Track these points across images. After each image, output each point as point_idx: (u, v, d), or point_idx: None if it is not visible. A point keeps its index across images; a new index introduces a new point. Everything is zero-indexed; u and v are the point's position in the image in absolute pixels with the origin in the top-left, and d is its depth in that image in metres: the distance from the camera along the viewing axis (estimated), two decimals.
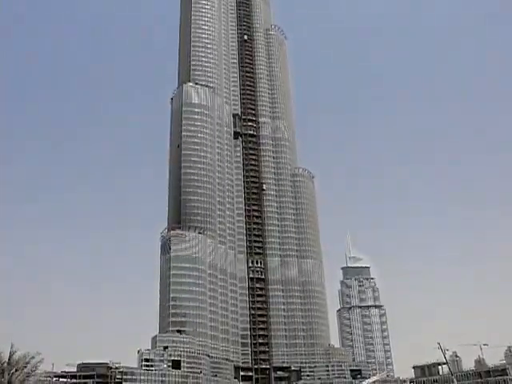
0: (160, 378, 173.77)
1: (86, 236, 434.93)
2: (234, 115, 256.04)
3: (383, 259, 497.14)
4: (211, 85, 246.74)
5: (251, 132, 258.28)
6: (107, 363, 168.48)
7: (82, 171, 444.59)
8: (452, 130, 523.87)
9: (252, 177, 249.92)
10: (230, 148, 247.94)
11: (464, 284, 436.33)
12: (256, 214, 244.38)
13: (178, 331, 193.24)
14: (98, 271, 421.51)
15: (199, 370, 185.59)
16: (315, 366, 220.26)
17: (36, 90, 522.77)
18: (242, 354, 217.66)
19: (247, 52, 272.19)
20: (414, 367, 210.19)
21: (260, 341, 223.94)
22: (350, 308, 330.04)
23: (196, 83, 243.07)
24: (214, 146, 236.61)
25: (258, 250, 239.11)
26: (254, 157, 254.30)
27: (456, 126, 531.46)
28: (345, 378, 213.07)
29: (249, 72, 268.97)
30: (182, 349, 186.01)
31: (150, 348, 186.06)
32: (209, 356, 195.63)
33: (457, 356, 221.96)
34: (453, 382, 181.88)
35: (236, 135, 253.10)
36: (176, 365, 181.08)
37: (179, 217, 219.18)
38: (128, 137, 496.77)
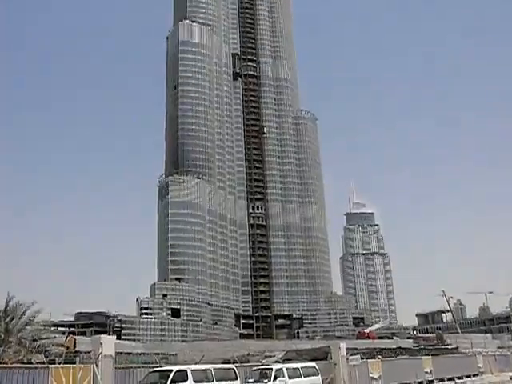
0: (159, 327, 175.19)
1: (83, 174, 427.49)
2: (234, 55, 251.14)
3: (388, 207, 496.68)
4: (209, 23, 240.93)
5: (251, 72, 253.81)
6: (105, 312, 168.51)
7: (71, 122, 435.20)
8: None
9: (252, 119, 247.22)
10: (230, 89, 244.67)
11: (466, 230, 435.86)
12: (256, 158, 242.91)
13: (177, 279, 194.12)
14: (94, 217, 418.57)
15: (199, 318, 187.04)
16: (317, 314, 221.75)
17: None
18: (243, 302, 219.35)
19: None
20: (417, 315, 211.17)
21: (261, 288, 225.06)
22: (354, 255, 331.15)
23: (193, 21, 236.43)
24: (213, 88, 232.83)
25: (258, 196, 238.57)
26: (254, 98, 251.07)
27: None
28: (347, 325, 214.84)
29: (248, 9, 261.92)
30: (181, 297, 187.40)
31: (148, 296, 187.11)
32: (209, 304, 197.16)
33: (461, 304, 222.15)
34: (456, 329, 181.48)
35: (235, 76, 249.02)
36: (175, 313, 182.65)
37: (177, 161, 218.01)
38: (120, 77, 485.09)
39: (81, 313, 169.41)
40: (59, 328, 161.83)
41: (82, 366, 26.32)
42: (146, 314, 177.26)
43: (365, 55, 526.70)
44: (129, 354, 67.35)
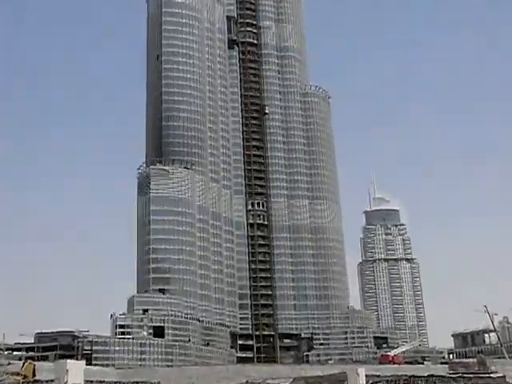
0: (139, 349, 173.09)
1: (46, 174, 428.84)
2: (229, 18, 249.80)
3: (416, 202, 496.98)
4: None
5: (250, 40, 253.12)
6: (73, 332, 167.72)
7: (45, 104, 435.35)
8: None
9: (252, 97, 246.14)
10: (224, 60, 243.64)
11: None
12: (257, 144, 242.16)
13: (161, 290, 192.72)
14: (58, 217, 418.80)
15: (187, 338, 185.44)
16: (330, 333, 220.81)
17: None
18: (241, 319, 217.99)
19: None
20: (453, 335, 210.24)
21: (262, 301, 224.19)
22: (375, 261, 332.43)
23: None
24: (204, 58, 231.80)
25: (259, 190, 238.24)
26: (253, 71, 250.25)
27: None
28: (367, 347, 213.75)
29: None
30: (165, 312, 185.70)
31: (125, 312, 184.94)
32: (199, 320, 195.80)
33: (508, 322, 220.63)
34: (502, 353, 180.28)
35: (231, 44, 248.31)
36: (158, 332, 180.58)
37: (160, 148, 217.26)
38: (93, 41, 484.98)
39: (42, 333, 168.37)
40: (15, 352, 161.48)
41: None
42: (123, 333, 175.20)
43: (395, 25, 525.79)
44: (101, 382, 67.79)
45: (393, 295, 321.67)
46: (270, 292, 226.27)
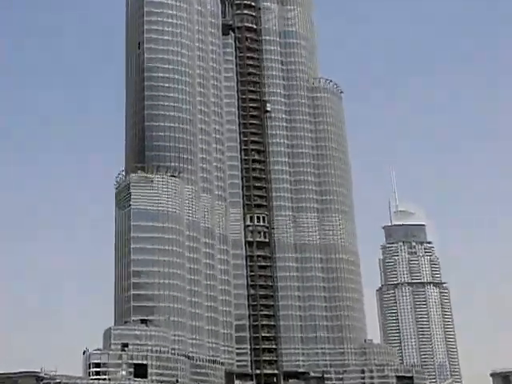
0: None
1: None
2: None
3: (445, 215, 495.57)
4: None
5: (248, 24, 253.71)
6: (37, 372, 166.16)
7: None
8: None
9: (250, 92, 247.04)
10: (218, 49, 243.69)
11: None
12: (256, 147, 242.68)
13: (143, 321, 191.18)
14: (26, 229, 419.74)
15: (174, 378, 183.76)
16: (345, 371, 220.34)
17: None
18: (238, 354, 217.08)
19: None
20: (492, 374, 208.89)
21: (263, 334, 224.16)
22: (397, 286, 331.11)
23: None
24: (193, 46, 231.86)
25: (259, 202, 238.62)
26: (252, 62, 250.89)
27: None
28: None
29: None
30: (148, 347, 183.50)
31: (101, 347, 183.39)
32: (189, 357, 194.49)
33: None
34: None
35: (226, 29, 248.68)
36: (140, 371, 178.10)
37: (143, 153, 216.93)
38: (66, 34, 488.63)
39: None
40: None
41: None
42: (98, 372, 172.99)
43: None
44: None
45: (418, 326, 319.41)
46: (272, 323, 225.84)
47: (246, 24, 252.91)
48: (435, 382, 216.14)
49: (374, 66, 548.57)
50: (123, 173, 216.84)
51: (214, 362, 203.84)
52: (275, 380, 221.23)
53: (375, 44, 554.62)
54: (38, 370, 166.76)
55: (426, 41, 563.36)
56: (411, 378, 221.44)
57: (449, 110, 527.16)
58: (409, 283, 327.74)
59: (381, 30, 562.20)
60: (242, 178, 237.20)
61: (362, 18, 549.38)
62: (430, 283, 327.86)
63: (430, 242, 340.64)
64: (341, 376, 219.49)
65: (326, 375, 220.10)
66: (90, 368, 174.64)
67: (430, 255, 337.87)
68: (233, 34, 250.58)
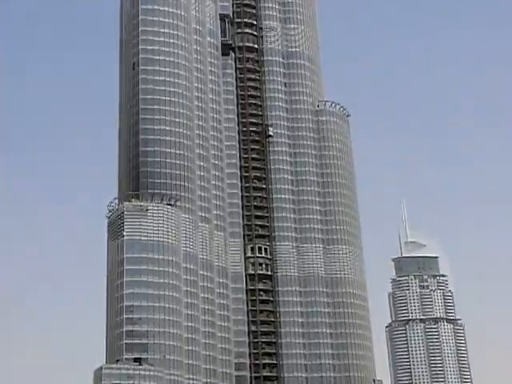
0: None
1: None
2: (223, 17, 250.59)
3: (460, 247, 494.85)
4: None
5: (250, 44, 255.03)
6: None
7: None
8: None
9: (251, 115, 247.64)
10: (217, 70, 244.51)
11: None
12: (258, 174, 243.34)
13: (137, 360, 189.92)
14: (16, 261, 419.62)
15: None
16: None
17: None
18: None
19: None
20: None
21: (265, 374, 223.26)
22: (408, 322, 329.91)
23: None
24: (191, 67, 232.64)
25: (261, 232, 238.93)
26: (254, 84, 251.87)
27: None
28: None
29: None
30: None
31: None
32: None
33: None
34: None
35: (226, 49, 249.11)
36: None
37: (137, 180, 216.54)
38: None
39: None
40: None
41: None
42: None
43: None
44: None
45: (431, 366, 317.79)
46: (274, 361, 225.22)
47: (247, 44, 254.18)
48: None
49: (383, 87, 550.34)
50: (116, 201, 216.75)
51: None
52: None
53: (385, 64, 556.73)
54: None
55: (440, 55, 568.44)
56: None
57: (460, 134, 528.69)
58: (421, 319, 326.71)
59: (390, 48, 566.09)
60: (242, 207, 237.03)
61: (370, 36, 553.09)
62: (443, 319, 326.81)
63: (443, 275, 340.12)
64: None
65: None
66: None
67: (443, 289, 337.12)
68: (233, 55, 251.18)
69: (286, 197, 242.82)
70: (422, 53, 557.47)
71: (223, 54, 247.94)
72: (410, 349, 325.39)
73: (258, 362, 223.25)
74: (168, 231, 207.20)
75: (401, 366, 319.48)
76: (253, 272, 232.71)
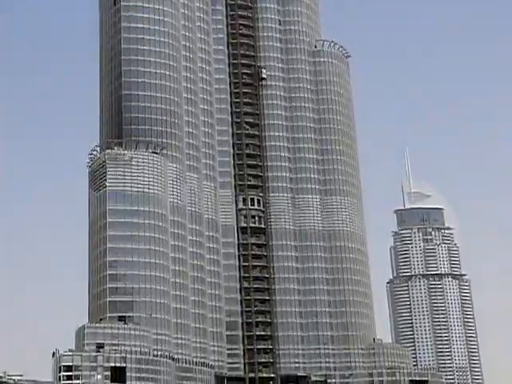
0: None
1: None
2: None
3: (467, 198, 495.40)
4: None
5: None
6: (0, 377, 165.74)
7: None
8: None
9: (243, 56, 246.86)
10: (206, 6, 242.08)
11: None
12: (250, 119, 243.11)
13: (121, 319, 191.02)
14: None
15: (157, 383, 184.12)
16: (351, 375, 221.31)
17: None
18: (229, 356, 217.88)
19: None
20: None
21: (258, 333, 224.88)
22: (410, 278, 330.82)
23: None
24: (178, 4, 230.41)
25: (253, 182, 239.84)
26: (246, 22, 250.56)
27: None
28: None
29: None
30: (127, 348, 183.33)
31: (73, 348, 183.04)
32: (173, 359, 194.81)
33: None
34: None
35: None
36: (118, 375, 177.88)
37: (120, 127, 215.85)
38: None
39: None
40: None
41: None
42: (70, 377, 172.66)
43: None
44: None
45: (435, 324, 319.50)
46: (268, 319, 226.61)
47: None
48: None
49: (386, 25, 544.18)
50: (98, 149, 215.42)
51: (203, 364, 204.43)
52: None
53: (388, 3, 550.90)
54: (1, 374, 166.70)
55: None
56: (426, 382, 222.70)
57: (467, 80, 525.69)
58: (424, 275, 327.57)
59: None
60: (233, 155, 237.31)
61: None
62: (448, 275, 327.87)
63: (448, 228, 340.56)
64: (346, 380, 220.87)
65: (329, 379, 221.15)
66: (60, 372, 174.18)
67: (449, 243, 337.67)
68: None
69: (281, 144, 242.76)
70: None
71: None
72: (413, 306, 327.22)
73: (250, 320, 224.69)
74: (153, 181, 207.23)
75: (402, 324, 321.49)
76: (245, 225, 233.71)
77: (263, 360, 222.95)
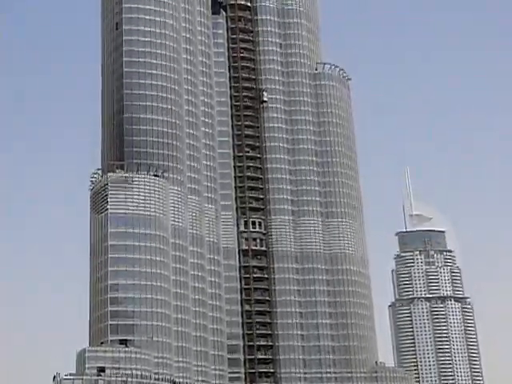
0: None
1: None
2: None
3: (468, 220, 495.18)
4: None
5: (242, 1, 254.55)
6: None
7: None
8: None
9: (244, 79, 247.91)
10: (207, 30, 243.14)
11: None
12: (251, 142, 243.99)
13: (122, 342, 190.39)
14: None
15: None
16: None
17: None
18: (231, 379, 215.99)
19: None
20: None
21: (260, 356, 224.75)
22: (412, 301, 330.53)
23: None
24: (179, 28, 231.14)
25: (255, 205, 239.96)
26: (247, 45, 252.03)
27: None
28: None
29: None
30: (128, 371, 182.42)
31: (74, 372, 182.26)
32: (175, 383, 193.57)
33: None
34: None
35: (216, 7, 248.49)
36: None
37: (121, 150, 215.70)
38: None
39: None
40: None
41: None
42: None
43: None
44: None
45: (437, 347, 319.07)
46: (270, 343, 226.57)
47: (239, 1, 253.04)
48: None
49: (386, 48, 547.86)
50: (99, 172, 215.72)
51: None
52: None
53: (389, 23, 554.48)
54: None
55: (443, 14, 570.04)
56: None
57: (466, 101, 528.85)
58: (426, 298, 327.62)
59: (393, 6, 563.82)
60: (234, 178, 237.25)
61: None
62: (450, 298, 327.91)
63: (450, 251, 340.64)
64: None
65: None
66: None
67: (451, 266, 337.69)
68: (224, 13, 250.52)
69: (282, 167, 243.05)
70: (427, 12, 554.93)
71: (213, 13, 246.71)
72: (415, 329, 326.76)
73: (252, 343, 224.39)
74: (155, 204, 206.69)
75: (405, 347, 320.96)
76: (246, 247, 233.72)
77: (266, 382, 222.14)
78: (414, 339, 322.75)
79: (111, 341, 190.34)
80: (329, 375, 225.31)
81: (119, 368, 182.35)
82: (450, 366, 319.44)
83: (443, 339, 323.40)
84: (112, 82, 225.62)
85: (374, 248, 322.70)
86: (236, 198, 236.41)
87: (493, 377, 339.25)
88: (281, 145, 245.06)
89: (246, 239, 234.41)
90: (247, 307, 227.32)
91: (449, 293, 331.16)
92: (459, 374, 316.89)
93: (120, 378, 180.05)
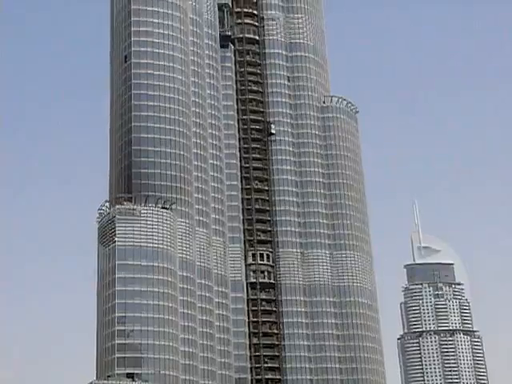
0: None
1: None
2: (221, 7, 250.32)
3: (477, 253, 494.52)
4: None
5: (250, 35, 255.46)
6: None
7: None
8: None
9: (252, 112, 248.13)
10: (215, 63, 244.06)
11: None
12: (259, 175, 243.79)
13: (129, 375, 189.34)
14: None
15: None
16: None
17: None
18: None
19: None
20: None
21: None
22: (421, 334, 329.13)
23: None
24: (188, 61, 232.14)
25: (262, 237, 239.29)
26: (255, 78, 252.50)
27: None
28: None
29: None
30: None
31: None
32: None
33: None
34: None
35: (225, 41, 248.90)
36: None
37: (129, 182, 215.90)
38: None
39: None
40: None
41: None
42: None
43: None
44: None
45: (447, 380, 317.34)
46: (278, 376, 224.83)
47: (247, 35, 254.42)
48: None
49: (394, 81, 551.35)
50: (107, 204, 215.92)
51: None
52: None
53: (396, 55, 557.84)
54: None
55: (455, 45, 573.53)
56: None
57: (474, 133, 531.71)
58: (435, 331, 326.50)
59: (401, 38, 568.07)
60: (242, 211, 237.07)
61: (379, 26, 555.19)
62: (459, 331, 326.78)
63: (459, 284, 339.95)
64: None
65: None
66: None
67: (460, 298, 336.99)
68: (232, 47, 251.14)
69: (290, 199, 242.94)
70: (436, 43, 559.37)
71: (222, 47, 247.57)
72: (424, 363, 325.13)
73: (260, 377, 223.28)
74: (163, 236, 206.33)
75: (414, 381, 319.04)
76: (254, 280, 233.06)
77: None
78: (422, 372, 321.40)
79: (118, 374, 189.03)
80: None
81: None
82: None
83: (452, 373, 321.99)
84: (120, 114, 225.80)
85: (383, 280, 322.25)
86: (244, 231, 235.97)
87: None
88: (289, 177, 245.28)
89: (254, 272, 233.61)
90: (255, 340, 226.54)
91: (458, 326, 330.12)
92: None
93: None
